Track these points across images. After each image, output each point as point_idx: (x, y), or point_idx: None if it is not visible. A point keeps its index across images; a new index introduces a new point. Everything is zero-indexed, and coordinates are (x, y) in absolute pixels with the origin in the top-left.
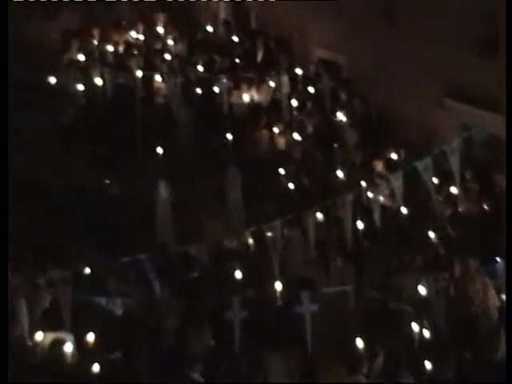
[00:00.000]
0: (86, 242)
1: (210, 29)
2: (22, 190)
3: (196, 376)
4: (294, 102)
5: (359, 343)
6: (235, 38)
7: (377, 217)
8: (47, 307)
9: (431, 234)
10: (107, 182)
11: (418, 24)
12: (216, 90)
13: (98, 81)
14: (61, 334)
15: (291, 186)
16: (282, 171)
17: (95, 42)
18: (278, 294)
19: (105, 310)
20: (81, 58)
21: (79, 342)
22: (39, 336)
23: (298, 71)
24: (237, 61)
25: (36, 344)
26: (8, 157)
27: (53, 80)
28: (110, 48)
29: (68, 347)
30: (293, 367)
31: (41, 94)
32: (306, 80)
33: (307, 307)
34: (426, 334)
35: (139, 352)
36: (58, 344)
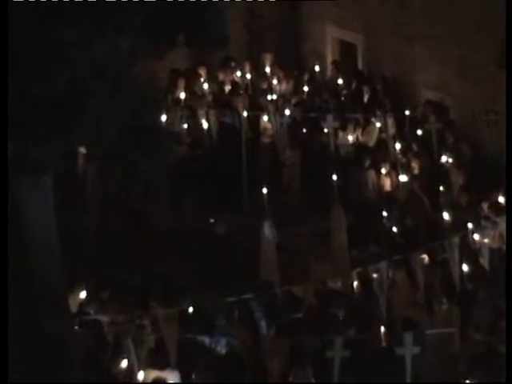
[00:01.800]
0: (192, 280)
1: (317, 69)
2: (127, 228)
3: None
4: (400, 144)
5: None
6: (341, 79)
7: (484, 259)
8: (153, 346)
9: None
10: (212, 221)
11: None
12: (322, 130)
13: (204, 120)
14: (165, 373)
15: (395, 228)
16: (385, 213)
17: (202, 81)
18: (382, 335)
19: (209, 349)
20: (187, 97)
21: (183, 381)
22: (142, 374)
23: (405, 112)
24: (343, 101)
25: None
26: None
27: (163, 118)
28: (217, 87)
29: None
30: None
31: (149, 134)
32: (413, 121)
33: (409, 349)
34: None
35: None
36: (159, 382)
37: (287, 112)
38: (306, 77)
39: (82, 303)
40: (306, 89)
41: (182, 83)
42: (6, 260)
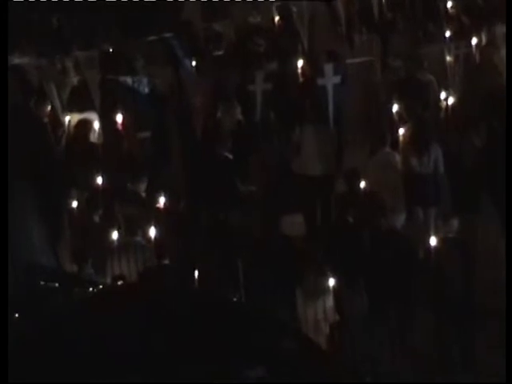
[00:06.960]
0: (112, 22)
1: None
2: None
3: (226, 153)
4: None
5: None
6: None
7: None
8: (75, 88)
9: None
10: None
11: None
12: None
13: None
14: (88, 115)
15: None
16: None
17: None
18: (302, 68)
19: (132, 90)
20: None
21: (107, 122)
22: (67, 118)
23: None
24: None
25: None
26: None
27: None
28: None
29: (95, 126)
30: (324, 142)
31: None
32: None
33: (329, 79)
34: (451, 101)
35: (170, 131)
36: (84, 124)
37: None
38: None
39: None
40: None
41: None
42: (6, 260)
